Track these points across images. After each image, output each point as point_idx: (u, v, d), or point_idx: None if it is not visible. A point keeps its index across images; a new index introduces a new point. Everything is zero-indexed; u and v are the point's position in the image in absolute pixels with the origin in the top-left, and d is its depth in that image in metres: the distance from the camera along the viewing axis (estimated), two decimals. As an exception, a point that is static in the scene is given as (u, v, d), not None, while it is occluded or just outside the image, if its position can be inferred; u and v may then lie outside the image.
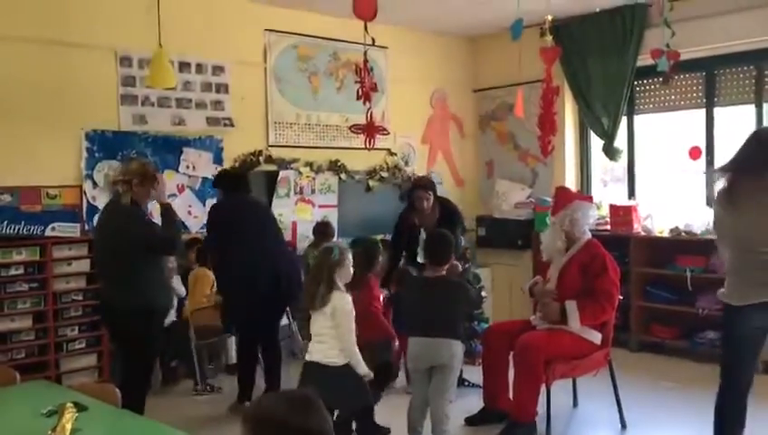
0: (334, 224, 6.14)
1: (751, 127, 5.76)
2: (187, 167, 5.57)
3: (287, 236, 6.04)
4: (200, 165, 5.63)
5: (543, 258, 4.42)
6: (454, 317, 3.76)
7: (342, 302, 3.41)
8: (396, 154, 6.85)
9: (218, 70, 5.69)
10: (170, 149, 5.48)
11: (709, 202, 4.50)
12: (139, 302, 3.70)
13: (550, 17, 5.08)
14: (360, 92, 4.31)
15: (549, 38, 5.18)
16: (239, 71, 5.80)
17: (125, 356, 3.92)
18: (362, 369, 3.44)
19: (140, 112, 5.32)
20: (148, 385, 4.03)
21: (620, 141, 6.51)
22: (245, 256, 4.46)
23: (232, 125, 5.76)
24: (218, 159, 5.71)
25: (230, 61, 5.75)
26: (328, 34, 6.27)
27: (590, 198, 4.93)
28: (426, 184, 5.16)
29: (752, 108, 5.81)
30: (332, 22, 6.16)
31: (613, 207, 6.31)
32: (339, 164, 6.40)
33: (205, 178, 5.62)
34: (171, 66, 4.67)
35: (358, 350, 3.43)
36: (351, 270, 3.51)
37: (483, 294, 5.49)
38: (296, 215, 6.15)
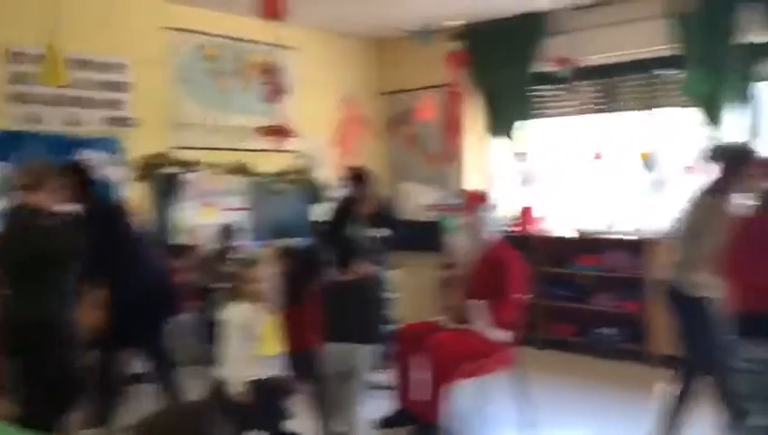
0: (243, 227, 6.02)
1: (646, 131, 6.08)
2: (84, 169, 5.30)
3: (193, 240, 5.89)
4: (98, 167, 5.37)
5: (453, 260, 4.50)
6: (365, 321, 3.75)
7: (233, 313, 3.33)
8: (304, 157, 6.79)
9: (119, 68, 5.46)
10: (65, 149, 5.20)
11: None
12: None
13: (456, 23, 5.19)
14: (268, 94, 4.26)
15: (455, 43, 5.30)
16: (140, 70, 5.58)
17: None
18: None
19: (33, 111, 5.03)
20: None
21: (524, 145, 6.71)
22: None
23: (132, 125, 5.54)
24: (118, 161, 5.47)
25: (131, 59, 5.52)
26: (235, 34, 6.14)
27: (496, 200, 5.07)
28: (358, 174, 5.14)
29: (644, 114, 6.12)
30: (240, 21, 6.03)
31: (517, 209, 6.51)
32: (246, 166, 6.28)
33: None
34: (66, 63, 4.44)
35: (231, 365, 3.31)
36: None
37: (392, 296, 5.53)
38: (200, 218, 5.98)
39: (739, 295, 3.17)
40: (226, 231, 5.78)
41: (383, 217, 4.88)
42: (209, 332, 5.41)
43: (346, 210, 5.08)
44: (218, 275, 5.48)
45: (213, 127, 6.11)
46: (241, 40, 6.16)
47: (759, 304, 3.07)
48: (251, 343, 3.29)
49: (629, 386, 5.15)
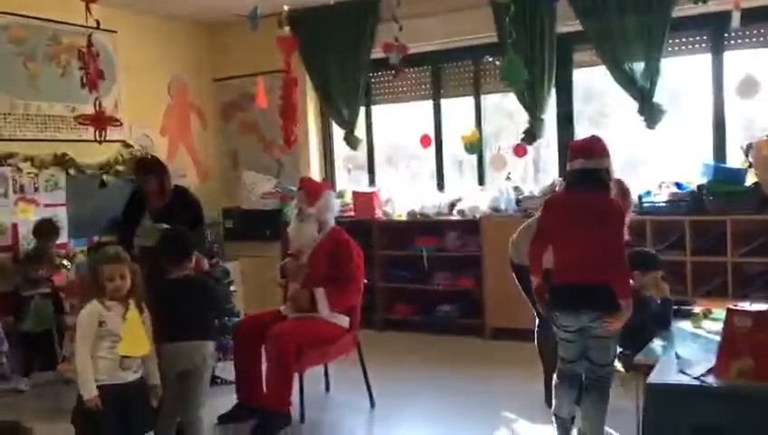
0: (64, 223, 5.60)
1: (472, 117, 6.36)
2: None
3: (8, 240, 5.39)
4: None
5: (291, 250, 4.45)
6: (204, 318, 3.61)
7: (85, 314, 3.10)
8: (132, 146, 6.41)
9: None
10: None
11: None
12: None
13: (286, 8, 5.11)
14: (85, 80, 3.96)
15: (286, 29, 5.21)
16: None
17: None
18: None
19: None
20: None
21: (360, 131, 6.78)
22: None
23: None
24: None
25: None
26: (45, 15, 5.64)
27: (332, 187, 5.06)
28: (146, 166, 4.68)
29: (471, 99, 6.39)
30: (51, 1, 5.55)
31: (356, 194, 6.58)
32: (66, 158, 5.82)
33: None
34: None
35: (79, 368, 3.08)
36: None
37: (232, 288, 5.39)
38: (17, 216, 5.48)
39: (557, 268, 3.40)
40: (47, 227, 5.33)
41: (181, 210, 4.47)
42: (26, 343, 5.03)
43: (136, 205, 4.66)
44: (34, 279, 5.09)
45: (25, 116, 5.59)
46: (53, 21, 5.67)
47: (571, 277, 3.31)
48: (109, 345, 3.06)
49: (467, 360, 5.39)
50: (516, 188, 5.99)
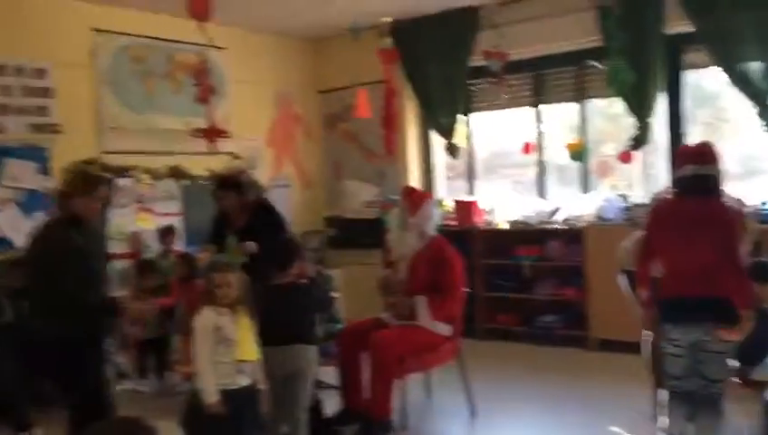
0: (180, 232, 5.91)
1: (575, 122, 6.22)
2: (10, 179, 5.10)
3: (128, 247, 5.74)
4: (25, 176, 5.18)
5: (393, 258, 4.49)
6: (306, 322, 3.71)
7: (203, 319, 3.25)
8: (241, 157, 6.69)
9: (40, 73, 5.26)
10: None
11: None
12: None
13: (387, 19, 5.19)
14: (199, 95, 4.18)
15: (387, 40, 5.30)
16: (65, 74, 5.39)
17: None
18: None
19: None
20: None
21: (460, 139, 6.77)
22: None
23: (59, 131, 5.35)
24: (45, 170, 5.28)
25: (53, 63, 5.32)
26: (162, 35, 5.99)
27: (437, 196, 5.07)
28: (224, 182, 4.60)
29: (574, 105, 6.25)
30: (167, 21, 5.89)
31: (457, 203, 6.56)
32: (180, 170, 6.14)
33: (31, 191, 5.18)
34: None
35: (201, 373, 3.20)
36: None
37: (333, 295, 5.49)
38: (138, 225, 5.83)
39: (667, 280, 3.27)
40: (167, 234, 5.66)
41: (265, 227, 4.35)
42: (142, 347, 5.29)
43: (220, 225, 4.57)
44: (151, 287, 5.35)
45: (144, 130, 5.95)
46: (169, 40, 6.01)
47: (684, 288, 3.17)
48: (225, 350, 3.20)
49: (570, 371, 5.26)
50: (623, 196, 5.80)
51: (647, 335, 3.93)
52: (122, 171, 5.75)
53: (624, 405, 4.35)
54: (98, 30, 5.63)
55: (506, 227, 6.29)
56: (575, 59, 6.15)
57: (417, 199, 4.42)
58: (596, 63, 5.93)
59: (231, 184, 4.51)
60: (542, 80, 6.41)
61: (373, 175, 7.19)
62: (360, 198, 7.17)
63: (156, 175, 5.99)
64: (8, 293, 4.86)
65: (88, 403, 3.21)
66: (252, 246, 4.16)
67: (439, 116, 6.72)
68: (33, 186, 5.20)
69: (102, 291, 3.40)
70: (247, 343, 3.27)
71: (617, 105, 5.87)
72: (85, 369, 3.24)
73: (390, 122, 5.23)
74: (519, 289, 6.20)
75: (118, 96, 5.76)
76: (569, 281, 5.96)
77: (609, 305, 5.41)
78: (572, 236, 5.90)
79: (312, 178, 7.51)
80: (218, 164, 6.37)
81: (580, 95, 6.21)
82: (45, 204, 5.24)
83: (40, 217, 5.19)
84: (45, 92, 5.29)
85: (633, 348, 4.35)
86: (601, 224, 5.70)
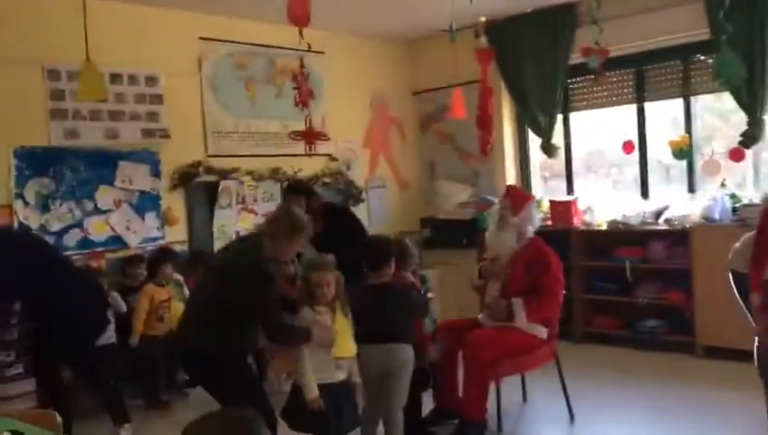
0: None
1: (680, 120, 5.98)
2: (123, 181, 5.43)
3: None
4: (137, 178, 5.50)
5: (488, 256, 4.45)
6: (401, 321, 3.74)
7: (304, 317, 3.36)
8: (337, 159, 6.83)
9: (151, 80, 5.57)
10: (105, 163, 5.34)
11: None
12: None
13: (483, 19, 5.16)
14: (298, 99, 4.29)
15: (483, 39, 5.26)
16: (173, 81, 5.68)
17: None
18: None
19: (72, 127, 5.15)
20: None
21: (557, 138, 6.64)
22: None
23: (168, 136, 5.64)
24: (156, 172, 5.59)
25: (164, 71, 5.62)
26: (263, 41, 6.21)
27: (534, 198, 4.97)
28: (297, 187, 4.46)
29: (680, 101, 6.00)
30: (267, 28, 6.11)
31: (553, 203, 6.44)
32: (280, 172, 6.34)
33: (142, 192, 5.50)
34: (102, 78, 4.54)
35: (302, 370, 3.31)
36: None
37: (429, 295, 5.50)
38: (239, 225, 6.07)
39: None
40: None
41: (342, 233, 4.22)
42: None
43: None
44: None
45: (246, 134, 6.19)
46: (269, 47, 6.22)
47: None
48: (324, 348, 3.31)
49: (675, 378, 5.05)
50: (732, 196, 5.51)
51: (760, 342, 3.72)
52: (226, 173, 6.00)
53: (737, 414, 4.14)
54: (204, 39, 5.90)
55: (605, 227, 6.11)
56: (680, 53, 5.91)
57: (519, 200, 4.37)
58: (703, 57, 5.68)
59: (303, 189, 4.47)
60: (644, 76, 6.19)
61: (468, 175, 7.17)
62: (454, 198, 7.16)
63: (257, 177, 6.21)
64: (121, 289, 5.20)
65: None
66: (331, 259, 3.73)
67: (536, 115, 6.62)
68: (144, 187, 5.52)
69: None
70: (344, 341, 3.35)
71: (727, 100, 5.59)
72: (242, 382, 3.34)
73: (485, 122, 5.18)
74: (619, 292, 6.01)
75: (222, 101, 6.02)
76: (673, 284, 5.72)
77: (716, 311, 5.16)
78: (677, 237, 5.66)
79: (408, 180, 7.56)
80: (317, 165, 6.56)
81: (685, 91, 5.96)
82: (155, 205, 5.58)
83: (151, 217, 5.55)
84: (157, 99, 5.59)
85: (742, 356, 4.13)
86: (709, 225, 5.44)
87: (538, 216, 4.48)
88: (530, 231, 4.32)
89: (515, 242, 4.25)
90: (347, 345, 3.36)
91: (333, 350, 3.28)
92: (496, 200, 5.02)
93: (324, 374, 3.27)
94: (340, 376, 3.32)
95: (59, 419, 2.71)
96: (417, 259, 4.19)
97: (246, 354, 3.52)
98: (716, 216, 5.42)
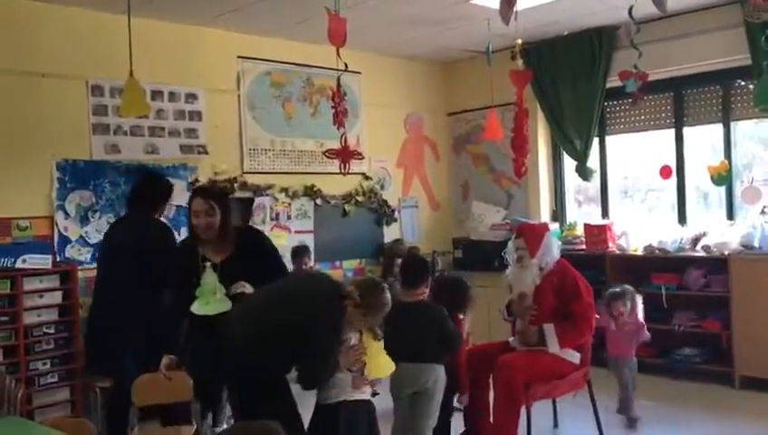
0: (311, 248, 6.12)
1: (719, 146, 5.89)
2: (163, 196, 5.51)
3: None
4: (175, 193, 5.56)
5: (512, 295, 4.37)
6: (431, 341, 3.72)
7: None
8: (371, 178, 6.87)
9: (191, 97, 5.68)
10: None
11: None
12: None
13: (520, 41, 5.16)
14: (335, 118, 4.33)
15: (520, 61, 5.27)
16: (212, 98, 5.79)
17: None
18: None
19: (113, 141, 5.27)
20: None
21: (593, 162, 6.59)
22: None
23: (206, 152, 5.73)
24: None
25: (203, 88, 5.73)
26: (301, 61, 6.30)
27: (547, 226, 4.81)
28: (209, 190, 3.84)
29: (719, 127, 5.92)
30: (306, 48, 6.19)
31: (588, 227, 6.36)
32: (314, 189, 6.39)
33: (179, 207, 5.58)
34: (144, 94, 4.64)
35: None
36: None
37: (460, 316, 5.46)
38: (274, 241, 6.10)
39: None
40: (301, 251, 5.88)
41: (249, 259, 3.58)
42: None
43: (189, 259, 3.60)
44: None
45: (281, 151, 6.26)
46: (306, 66, 6.31)
47: None
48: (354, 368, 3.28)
49: (711, 408, 4.93)
50: (773, 223, 5.41)
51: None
52: (261, 190, 6.07)
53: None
54: (243, 57, 6.00)
55: (641, 252, 6.02)
56: (720, 78, 5.84)
57: (534, 239, 4.23)
58: (744, 82, 5.60)
59: (216, 193, 3.69)
60: (683, 100, 6.13)
61: (501, 198, 7.14)
62: (487, 220, 7.13)
63: (292, 194, 6.27)
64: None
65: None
66: (246, 287, 3.42)
67: (572, 138, 6.58)
68: (181, 202, 5.59)
69: None
70: (375, 361, 3.32)
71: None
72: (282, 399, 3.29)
73: (521, 145, 5.17)
74: (654, 319, 5.88)
75: (259, 118, 6.11)
76: (710, 313, 5.60)
77: (756, 340, 5.04)
78: (715, 264, 5.55)
79: (440, 200, 7.55)
80: (351, 184, 6.60)
81: (725, 116, 5.88)
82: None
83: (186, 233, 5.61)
84: (196, 116, 5.69)
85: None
86: (748, 253, 5.33)
87: (557, 242, 4.38)
88: (552, 260, 4.23)
89: (538, 279, 4.18)
90: (378, 366, 3.32)
91: (366, 371, 3.24)
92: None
93: (351, 391, 3.24)
94: (362, 395, 3.28)
95: (93, 427, 2.75)
96: (472, 304, 4.14)
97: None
98: (756, 244, 5.31)
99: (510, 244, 4.39)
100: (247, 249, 3.54)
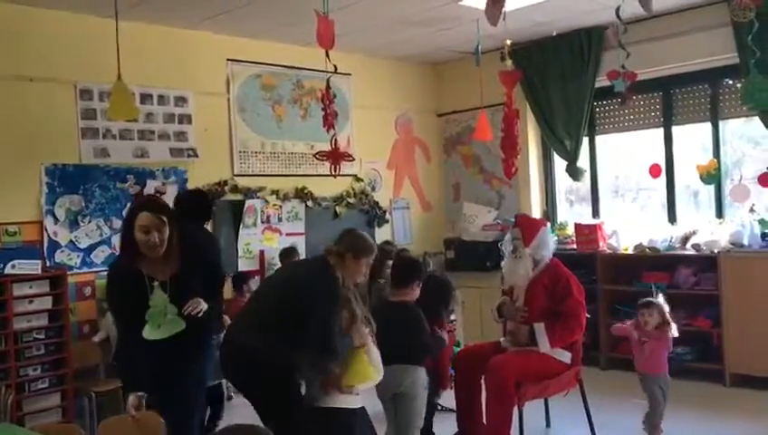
0: (302, 251, 6.11)
1: (708, 145, 5.92)
2: (153, 199, 5.50)
3: (255, 265, 6.01)
4: (166, 197, 5.56)
5: (504, 286, 4.41)
6: (412, 343, 3.69)
7: None
8: (362, 180, 6.87)
9: (181, 101, 5.66)
10: (134, 181, 5.42)
11: None
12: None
13: (509, 42, 5.17)
14: (324, 120, 4.33)
15: (509, 62, 5.28)
16: (202, 101, 5.77)
17: None
18: None
19: (102, 145, 5.25)
20: None
21: (583, 161, 6.61)
22: None
23: (196, 156, 5.71)
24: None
25: (193, 91, 5.72)
26: (291, 63, 6.30)
27: (547, 222, 4.89)
28: (158, 203, 3.32)
29: (708, 125, 5.95)
30: (295, 50, 6.19)
31: (578, 226, 6.38)
32: (305, 191, 6.39)
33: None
34: (133, 98, 4.62)
35: None
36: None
37: (452, 318, 5.46)
38: (263, 244, 6.11)
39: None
40: (290, 254, 5.86)
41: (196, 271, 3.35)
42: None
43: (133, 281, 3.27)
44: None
45: (272, 154, 6.25)
46: (296, 68, 6.30)
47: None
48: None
49: (703, 406, 4.95)
50: (762, 222, 5.43)
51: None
52: (251, 192, 6.05)
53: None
54: (233, 60, 5.99)
55: (631, 251, 6.04)
56: (708, 77, 5.87)
57: (530, 229, 4.28)
58: (732, 81, 5.63)
59: (168, 208, 3.35)
60: (671, 99, 6.16)
61: (492, 198, 7.16)
62: (478, 220, 7.15)
63: (283, 196, 6.26)
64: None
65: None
66: (201, 304, 3.21)
67: (561, 138, 6.60)
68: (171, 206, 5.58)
69: None
70: (356, 369, 3.29)
71: (756, 125, 5.53)
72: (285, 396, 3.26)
73: (510, 145, 5.18)
74: (645, 318, 5.90)
75: (249, 121, 6.10)
76: (701, 311, 5.62)
77: (746, 338, 5.07)
78: (705, 262, 5.57)
79: (431, 201, 7.56)
80: (342, 186, 6.60)
81: (713, 115, 5.91)
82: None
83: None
84: (185, 119, 5.67)
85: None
86: (737, 250, 5.36)
87: (552, 239, 4.40)
88: (546, 257, 4.26)
89: (531, 271, 4.20)
90: (357, 373, 3.28)
91: (344, 379, 3.24)
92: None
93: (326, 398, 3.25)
94: (357, 403, 3.29)
95: (83, 433, 2.74)
96: (455, 304, 4.15)
97: (296, 371, 3.31)
98: (745, 241, 5.34)
99: (507, 234, 4.43)
100: (194, 260, 3.28)
